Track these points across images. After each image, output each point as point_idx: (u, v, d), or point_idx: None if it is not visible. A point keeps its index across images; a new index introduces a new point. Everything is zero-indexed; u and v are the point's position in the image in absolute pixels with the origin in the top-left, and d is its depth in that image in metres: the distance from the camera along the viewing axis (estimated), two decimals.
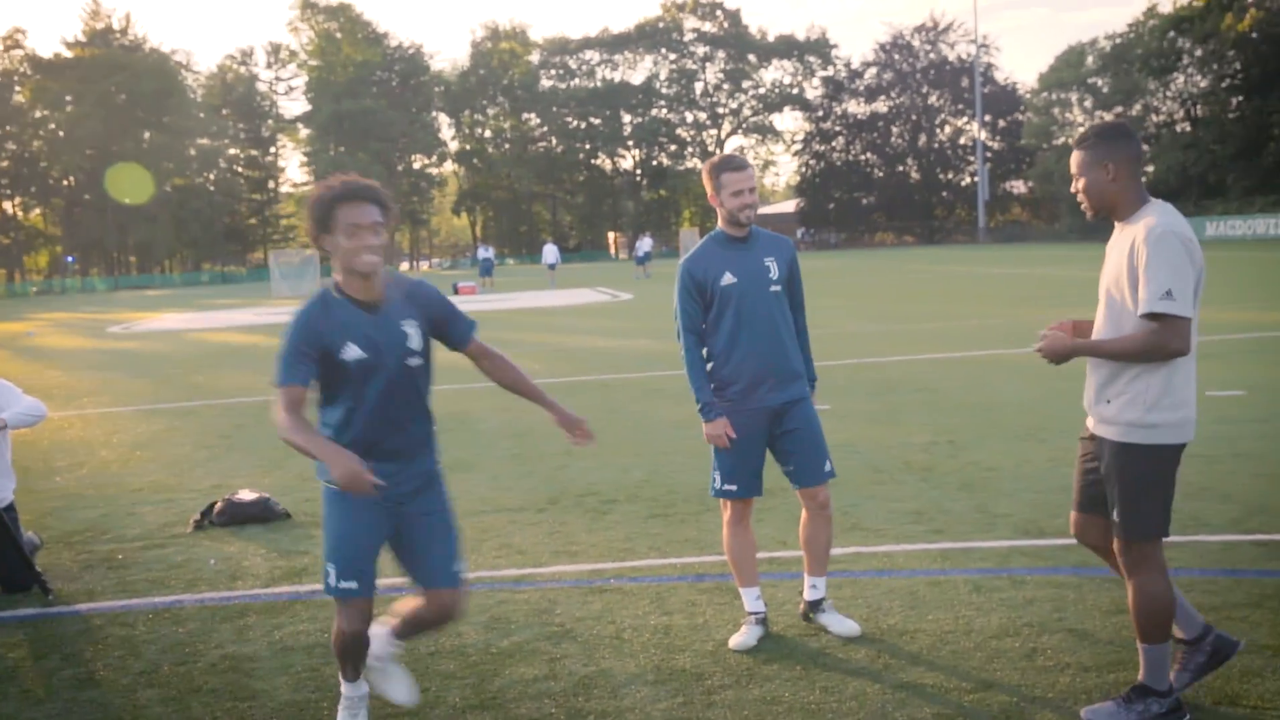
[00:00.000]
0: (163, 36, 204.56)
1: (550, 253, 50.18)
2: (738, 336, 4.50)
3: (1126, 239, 3.54)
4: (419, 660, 4.49)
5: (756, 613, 4.62)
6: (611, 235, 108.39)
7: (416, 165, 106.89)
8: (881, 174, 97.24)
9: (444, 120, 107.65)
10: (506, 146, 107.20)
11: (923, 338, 16.58)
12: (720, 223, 4.63)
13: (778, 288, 4.56)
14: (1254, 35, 66.06)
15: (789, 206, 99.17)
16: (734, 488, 4.59)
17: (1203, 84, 72.18)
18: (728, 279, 4.50)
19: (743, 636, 4.55)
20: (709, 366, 4.59)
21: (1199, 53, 71.52)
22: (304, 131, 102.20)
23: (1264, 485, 6.65)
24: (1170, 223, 3.47)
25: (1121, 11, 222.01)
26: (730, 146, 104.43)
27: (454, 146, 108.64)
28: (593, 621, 4.86)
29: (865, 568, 5.47)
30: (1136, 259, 3.45)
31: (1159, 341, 3.42)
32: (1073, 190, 3.69)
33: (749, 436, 4.56)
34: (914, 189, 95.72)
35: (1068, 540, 4.23)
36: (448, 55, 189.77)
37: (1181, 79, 74.37)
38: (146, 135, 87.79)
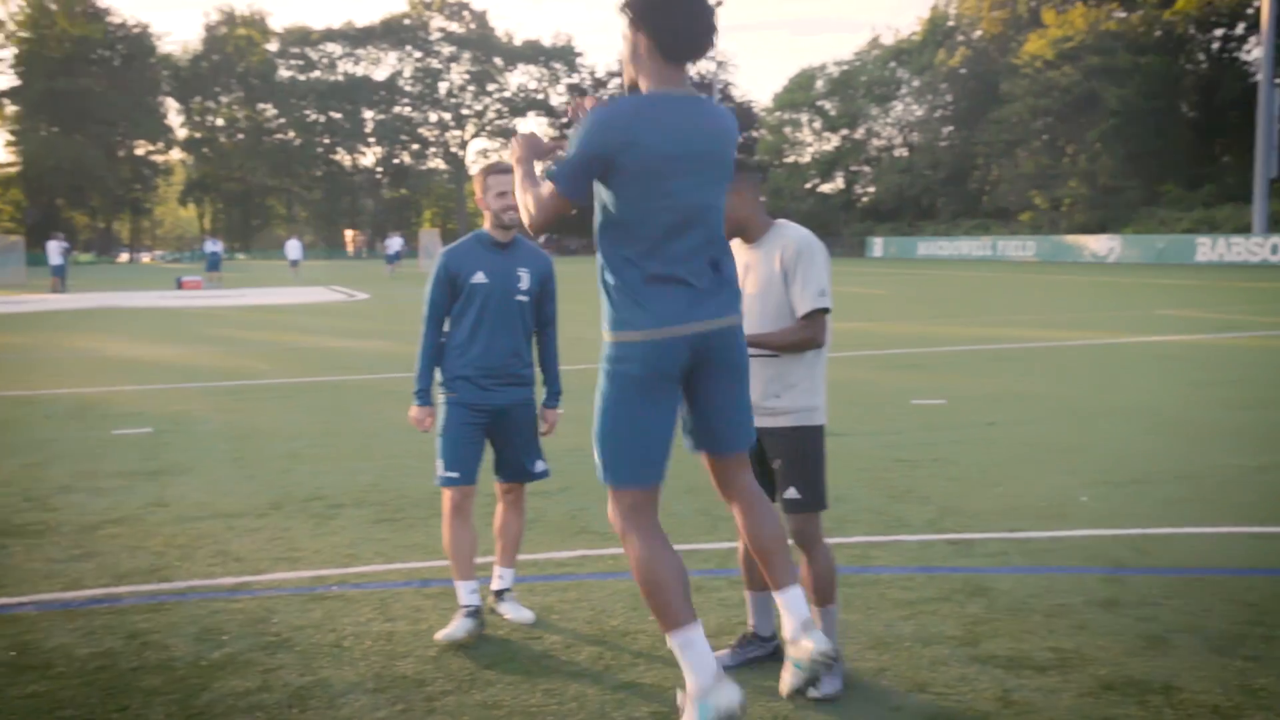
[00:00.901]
0: None
1: (293, 248, 48.68)
2: (476, 333, 4.70)
3: (768, 252, 4.04)
4: (120, 675, 4.23)
5: (469, 606, 4.63)
6: (349, 233, 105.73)
7: (140, 151, 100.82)
8: None
9: (172, 105, 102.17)
10: (240, 136, 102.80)
11: None
12: (487, 225, 4.81)
13: (524, 297, 4.77)
14: (963, 71, 71.66)
15: None
16: (455, 475, 4.70)
17: (918, 112, 77.60)
18: (479, 277, 4.70)
19: (450, 629, 4.56)
20: (447, 356, 4.76)
21: (915, 83, 76.89)
22: (11, 108, 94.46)
23: (958, 488, 7.19)
24: (813, 236, 4.06)
25: (850, 39, 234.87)
26: (474, 149, 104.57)
27: (182, 134, 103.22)
28: (312, 630, 4.71)
29: (591, 570, 5.55)
30: (789, 267, 3.98)
31: (811, 334, 3.98)
32: None
33: (473, 428, 4.72)
34: None
35: None
36: (178, 37, 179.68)
37: (900, 107, 79.72)
38: None
